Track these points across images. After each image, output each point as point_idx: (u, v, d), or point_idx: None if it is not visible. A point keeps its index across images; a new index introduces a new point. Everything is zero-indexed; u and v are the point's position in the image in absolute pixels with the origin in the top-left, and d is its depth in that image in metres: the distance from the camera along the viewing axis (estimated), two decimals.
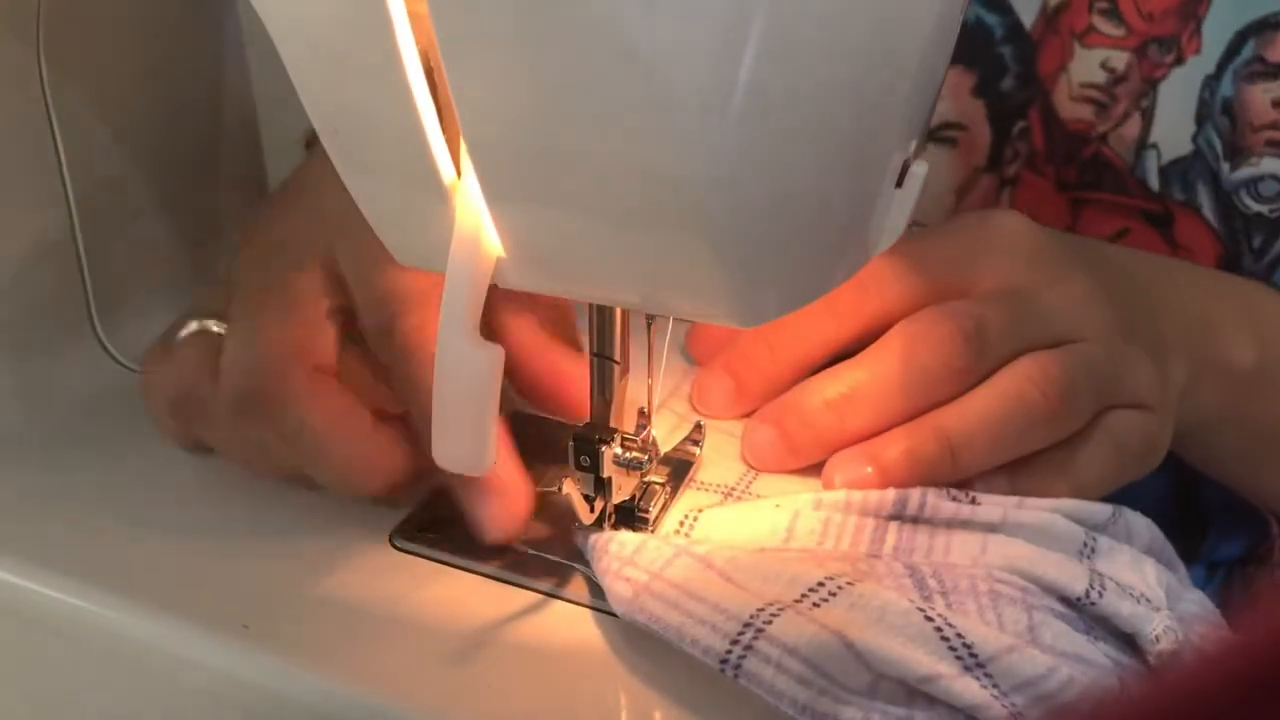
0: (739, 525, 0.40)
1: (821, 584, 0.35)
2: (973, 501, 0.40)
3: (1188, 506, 0.60)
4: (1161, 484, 0.59)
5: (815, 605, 0.35)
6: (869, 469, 0.41)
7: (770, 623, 0.34)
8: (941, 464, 0.40)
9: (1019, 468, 0.42)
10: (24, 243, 0.47)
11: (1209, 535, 0.60)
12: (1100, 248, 0.51)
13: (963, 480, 0.41)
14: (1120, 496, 0.43)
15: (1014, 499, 0.41)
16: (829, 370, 0.43)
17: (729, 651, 0.33)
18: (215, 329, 0.43)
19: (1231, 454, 0.52)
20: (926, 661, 0.33)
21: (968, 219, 0.46)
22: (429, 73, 0.29)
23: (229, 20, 0.56)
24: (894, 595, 0.35)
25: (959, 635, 0.34)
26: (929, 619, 0.34)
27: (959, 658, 0.33)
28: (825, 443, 0.42)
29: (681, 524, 0.40)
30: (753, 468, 0.44)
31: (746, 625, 0.34)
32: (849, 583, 0.35)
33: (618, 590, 0.36)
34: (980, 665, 0.33)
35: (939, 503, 0.40)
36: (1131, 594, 0.38)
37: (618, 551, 0.37)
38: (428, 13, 0.27)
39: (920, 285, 0.44)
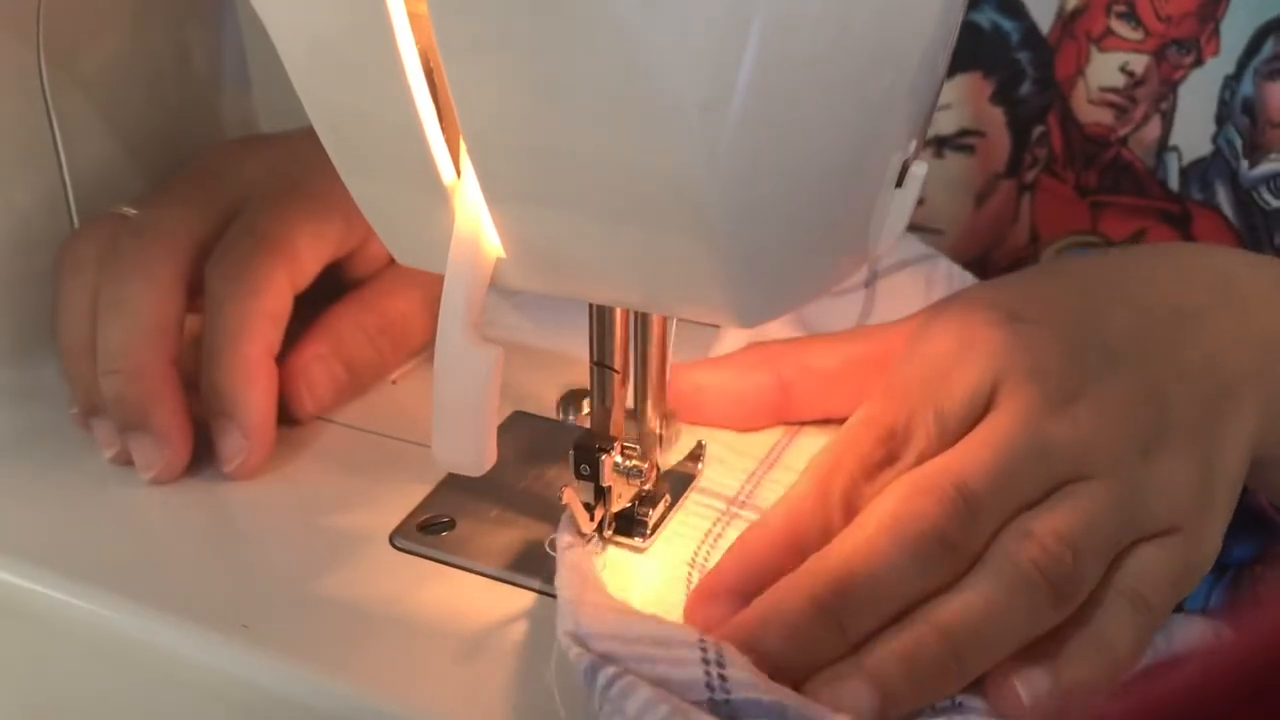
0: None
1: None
2: (958, 707, 0.35)
3: None
4: None
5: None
6: (866, 693, 0.33)
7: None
8: (947, 671, 0.34)
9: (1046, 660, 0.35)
10: (23, 242, 0.47)
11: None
12: (1125, 273, 0.42)
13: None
14: None
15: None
16: (807, 564, 0.35)
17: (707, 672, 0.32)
18: None
19: None
20: None
21: (937, 332, 0.39)
22: (429, 73, 0.29)
23: (229, 20, 0.56)
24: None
25: None
26: None
27: None
28: (818, 661, 0.34)
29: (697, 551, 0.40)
30: None
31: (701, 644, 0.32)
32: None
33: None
34: None
35: None
36: None
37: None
38: (428, 13, 0.27)
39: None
